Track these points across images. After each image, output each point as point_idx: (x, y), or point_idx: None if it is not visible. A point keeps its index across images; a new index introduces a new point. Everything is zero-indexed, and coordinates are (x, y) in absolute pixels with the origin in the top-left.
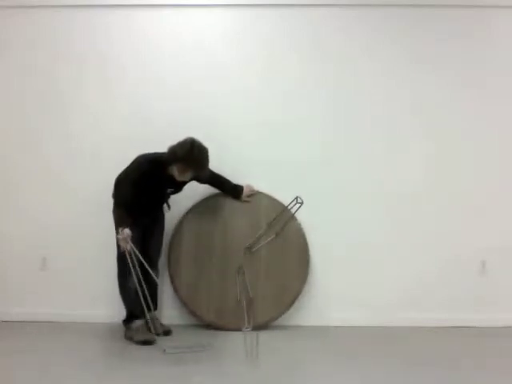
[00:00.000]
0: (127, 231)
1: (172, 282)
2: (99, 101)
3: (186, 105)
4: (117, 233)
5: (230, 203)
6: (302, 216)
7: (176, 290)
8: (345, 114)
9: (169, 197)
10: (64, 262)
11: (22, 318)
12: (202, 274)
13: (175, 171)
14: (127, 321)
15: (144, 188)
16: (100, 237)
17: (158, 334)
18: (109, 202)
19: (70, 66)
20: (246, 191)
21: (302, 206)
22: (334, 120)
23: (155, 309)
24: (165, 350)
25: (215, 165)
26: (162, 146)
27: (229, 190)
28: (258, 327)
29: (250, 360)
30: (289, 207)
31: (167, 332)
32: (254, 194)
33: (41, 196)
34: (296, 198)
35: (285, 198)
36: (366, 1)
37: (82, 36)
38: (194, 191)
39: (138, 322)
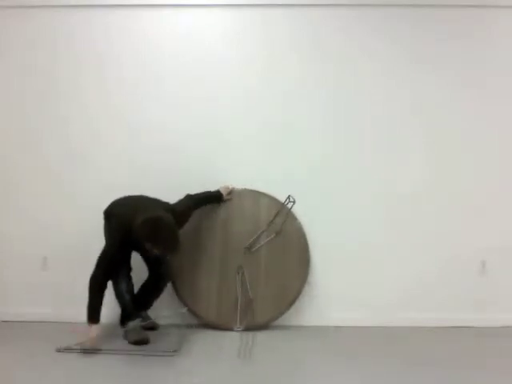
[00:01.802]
0: (97, 331)
1: (172, 281)
2: (98, 101)
3: (186, 105)
4: (88, 322)
5: (229, 203)
6: (302, 216)
7: (176, 289)
8: (345, 113)
9: None
10: (64, 262)
11: (22, 318)
12: (201, 273)
13: (147, 247)
14: (122, 322)
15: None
16: (100, 237)
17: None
18: (108, 202)
19: (69, 66)
20: (224, 192)
21: (303, 206)
22: (334, 120)
23: (147, 308)
24: (175, 351)
25: (215, 165)
26: (160, 147)
27: (211, 201)
28: (258, 327)
29: (242, 359)
30: (282, 206)
31: (152, 327)
32: (232, 190)
33: (41, 196)
34: (288, 196)
35: (285, 198)
36: (366, 1)
37: (81, 36)
38: (194, 191)
39: (132, 323)
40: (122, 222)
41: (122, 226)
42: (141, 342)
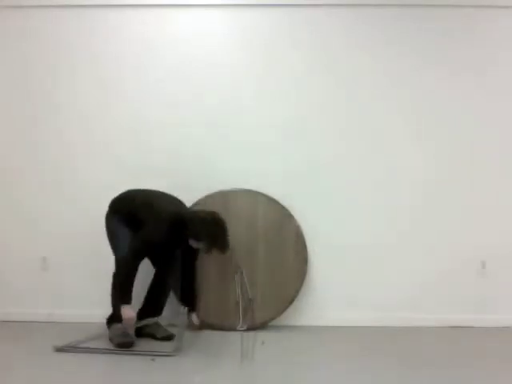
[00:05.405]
0: (132, 313)
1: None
2: (97, 101)
3: (185, 105)
4: (119, 304)
5: (228, 203)
6: (302, 215)
7: (175, 290)
8: (345, 113)
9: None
10: (64, 262)
11: (22, 317)
12: (201, 274)
13: (199, 246)
14: (110, 321)
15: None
16: (100, 236)
17: (157, 339)
18: (107, 203)
19: (68, 65)
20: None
21: (301, 205)
22: (334, 120)
23: (159, 314)
24: (175, 351)
25: (214, 166)
26: (160, 147)
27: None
28: (257, 327)
29: (245, 360)
30: (286, 207)
31: (168, 337)
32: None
33: (41, 196)
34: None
35: (284, 198)
36: (366, 1)
37: (80, 36)
38: (192, 190)
39: (118, 325)
40: (171, 216)
41: (171, 220)
42: (125, 345)
